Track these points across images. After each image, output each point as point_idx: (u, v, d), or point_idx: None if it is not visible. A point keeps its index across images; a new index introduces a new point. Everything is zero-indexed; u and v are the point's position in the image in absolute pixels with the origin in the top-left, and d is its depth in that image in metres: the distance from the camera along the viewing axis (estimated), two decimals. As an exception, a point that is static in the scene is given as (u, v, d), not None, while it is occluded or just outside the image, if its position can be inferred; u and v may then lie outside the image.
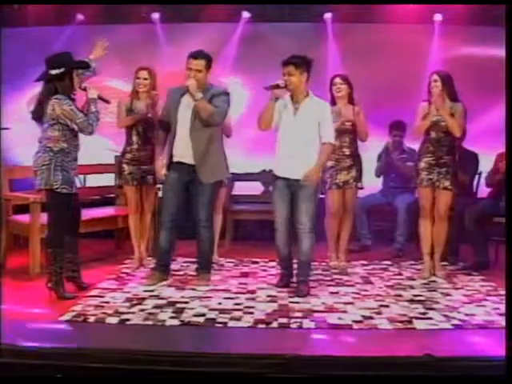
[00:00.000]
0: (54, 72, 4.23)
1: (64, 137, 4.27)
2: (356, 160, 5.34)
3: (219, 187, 4.95)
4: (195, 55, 4.60)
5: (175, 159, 4.71)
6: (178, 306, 4.20)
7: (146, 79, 5.16)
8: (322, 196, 5.29)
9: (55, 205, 4.31)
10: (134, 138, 5.18)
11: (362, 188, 5.43)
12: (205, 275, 4.80)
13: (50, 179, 4.24)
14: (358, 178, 5.36)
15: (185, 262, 5.41)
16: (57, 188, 4.25)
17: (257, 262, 5.59)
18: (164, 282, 4.75)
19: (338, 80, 5.30)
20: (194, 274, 4.89)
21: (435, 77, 4.98)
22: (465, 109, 4.99)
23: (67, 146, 4.30)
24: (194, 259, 5.16)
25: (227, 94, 4.73)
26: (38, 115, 4.31)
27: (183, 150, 4.64)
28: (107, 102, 4.58)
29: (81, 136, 4.40)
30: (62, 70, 4.23)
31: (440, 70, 5.09)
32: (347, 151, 5.29)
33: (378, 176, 6.33)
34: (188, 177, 4.68)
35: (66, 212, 4.35)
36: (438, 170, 4.99)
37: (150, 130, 5.18)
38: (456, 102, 4.97)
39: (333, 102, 5.25)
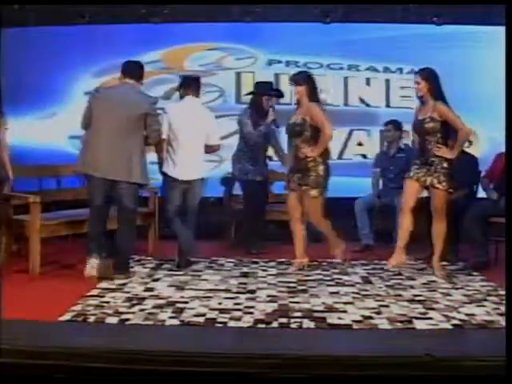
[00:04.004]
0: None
1: None
2: (312, 163, 5.07)
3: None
4: None
5: None
6: (178, 305, 4.20)
7: None
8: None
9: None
10: None
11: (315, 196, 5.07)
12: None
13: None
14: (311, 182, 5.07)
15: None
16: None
17: (257, 262, 5.60)
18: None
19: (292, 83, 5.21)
20: (195, 273, 4.89)
21: (417, 76, 4.94)
22: (447, 106, 4.87)
23: None
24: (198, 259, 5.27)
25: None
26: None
27: None
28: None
29: None
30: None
31: (423, 69, 4.96)
32: (300, 154, 5.11)
33: (376, 182, 6.35)
34: None
35: None
36: (427, 168, 4.94)
37: None
38: (436, 101, 4.88)
39: None
